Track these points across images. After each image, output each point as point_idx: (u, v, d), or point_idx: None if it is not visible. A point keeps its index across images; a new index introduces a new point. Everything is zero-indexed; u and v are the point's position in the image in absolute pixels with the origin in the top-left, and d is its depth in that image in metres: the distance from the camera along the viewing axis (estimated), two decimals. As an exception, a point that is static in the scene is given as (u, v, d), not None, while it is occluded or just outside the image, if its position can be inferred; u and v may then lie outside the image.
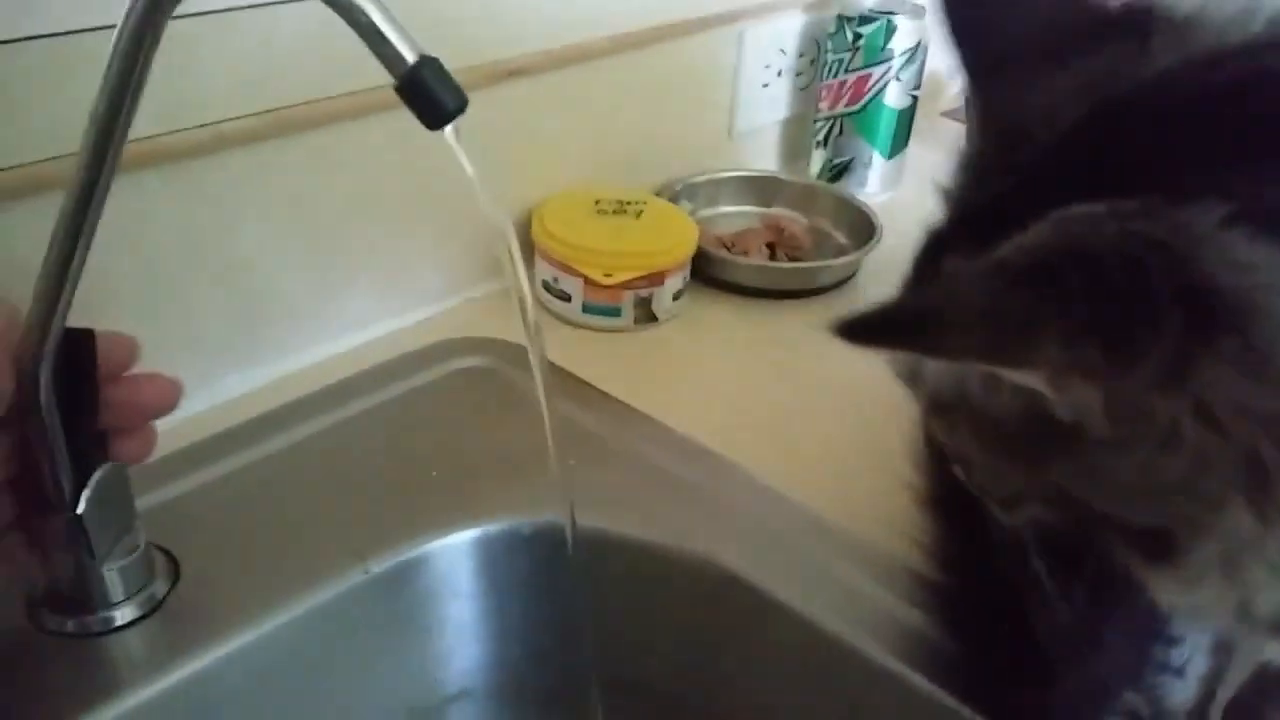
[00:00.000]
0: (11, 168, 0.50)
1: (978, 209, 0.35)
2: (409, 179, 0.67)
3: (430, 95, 0.33)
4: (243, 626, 0.48)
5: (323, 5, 0.32)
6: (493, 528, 0.55)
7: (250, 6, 0.55)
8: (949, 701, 0.46)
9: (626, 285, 0.71)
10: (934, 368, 0.34)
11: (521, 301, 0.41)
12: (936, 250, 0.36)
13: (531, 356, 0.45)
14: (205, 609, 0.49)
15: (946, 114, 1.14)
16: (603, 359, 0.69)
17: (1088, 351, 0.26)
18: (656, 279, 0.72)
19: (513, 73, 0.70)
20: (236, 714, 0.49)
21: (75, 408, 0.42)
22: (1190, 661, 0.43)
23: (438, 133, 0.34)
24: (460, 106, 0.34)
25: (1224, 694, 0.42)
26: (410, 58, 0.33)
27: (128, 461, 0.46)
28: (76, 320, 0.41)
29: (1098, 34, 0.35)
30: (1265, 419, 0.27)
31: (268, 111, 0.58)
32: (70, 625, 0.47)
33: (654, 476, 0.59)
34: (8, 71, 0.49)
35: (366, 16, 0.32)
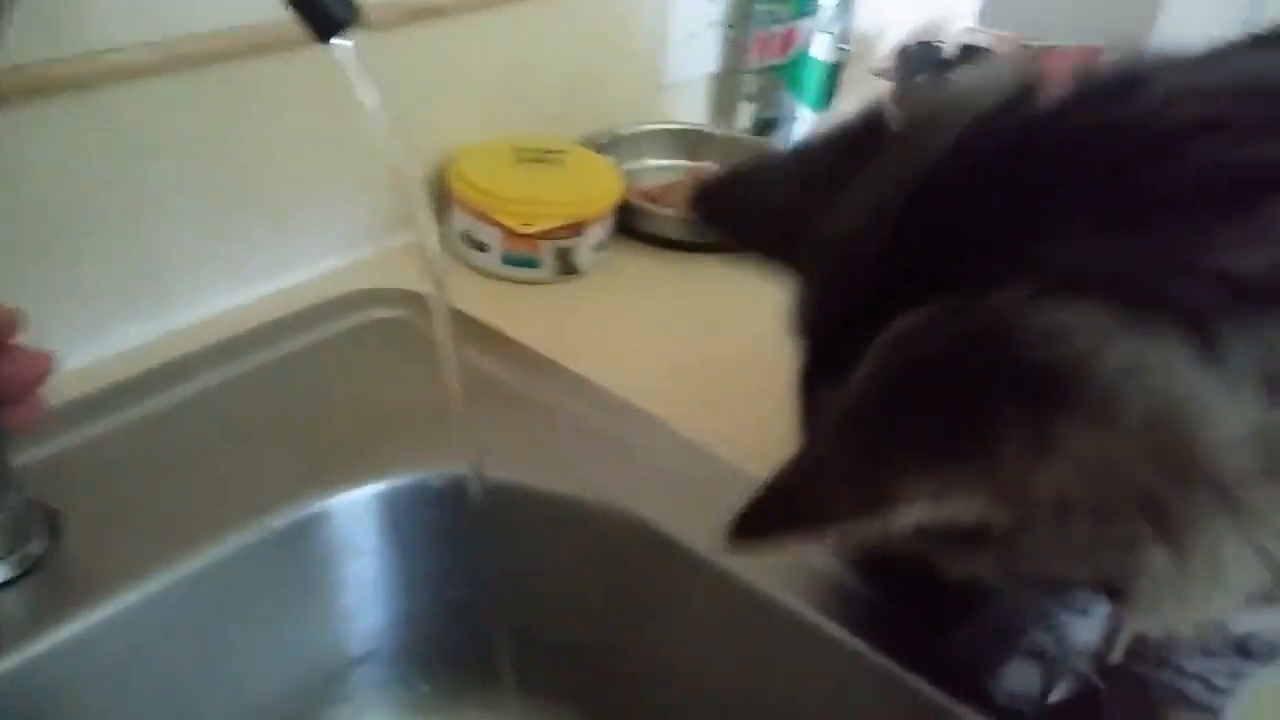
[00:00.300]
0: None
1: (826, 336, 0.34)
2: (321, 122, 0.64)
3: (317, 3, 0.31)
4: (127, 586, 0.46)
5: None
6: (398, 481, 0.53)
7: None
8: (862, 648, 0.46)
9: (546, 235, 0.69)
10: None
11: (423, 229, 0.39)
12: (810, 386, 0.36)
13: (434, 300, 0.44)
14: (88, 568, 0.46)
15: (877, 72, 1.13)
16: (521, 311, 0.67)
17: (953, 470, 0.27)
18: (577, 229, 0.70)
19: (432, 11, 0.67)
20: (121, 681, 0.46)
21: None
22: (1094, 601, 0.43)
23: (359, 90, 0.32)
24: (349, 16, 0.31)
25: (1128, 631, 0.42)
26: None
27: (14, 433, 0.42)
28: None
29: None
30: (1134, 462, 0.26)
31: (166, 42, 0.55)
32: (-64, 585, 0.44)
33: (569, 428, 0.57)
34: None
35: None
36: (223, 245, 0.63)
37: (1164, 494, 0.27)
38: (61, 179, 0.54)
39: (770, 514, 0.29)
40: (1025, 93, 0.32)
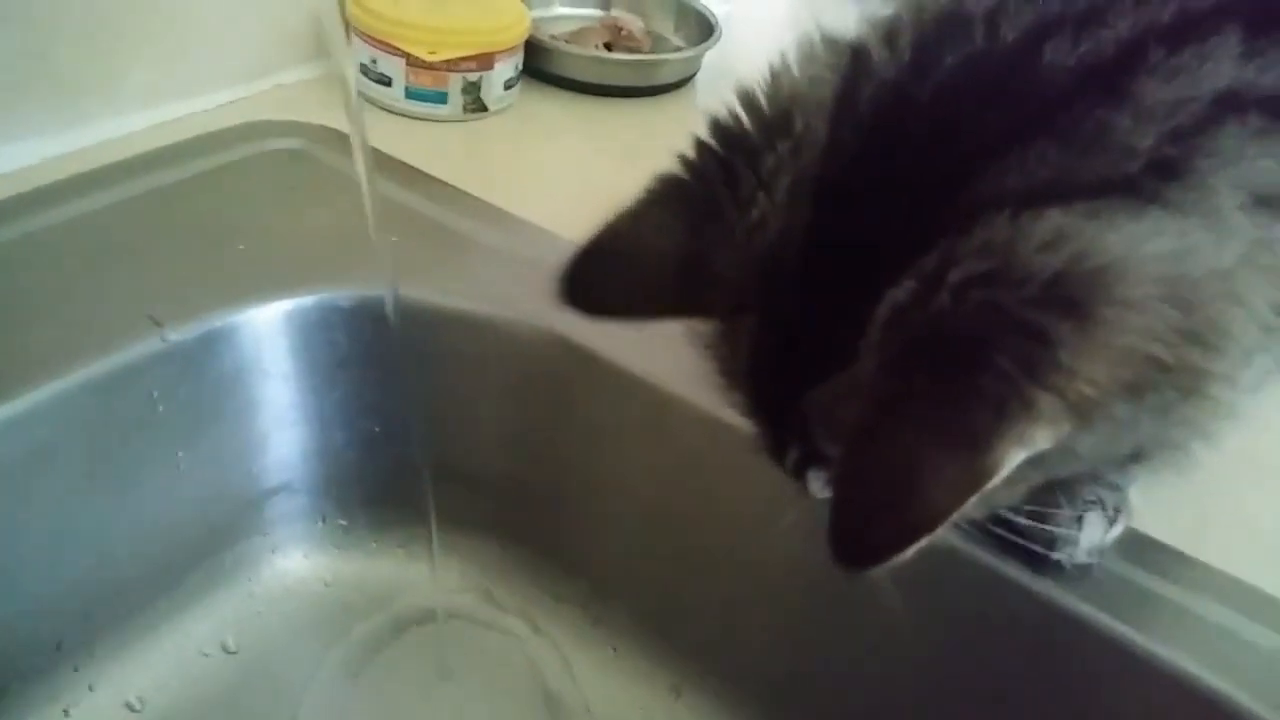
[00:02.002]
0: None
1: (788, 346, 0.32)
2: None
3: None
4: (16, 395, 0.43)
5: None
6: (306, 299, 0.51)
7: None
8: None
9: (452, 66, 0.66)
10: None
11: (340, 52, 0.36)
12: (786, 396, 0.32)
13: (352, 109, 0.41)
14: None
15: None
16: (429, 149, 0.64)
17: (1028, 407, 0.25)
18: (486, 61, 0.67)
19: None
20: (20, 490, 0.44)
21: None
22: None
23: None
24: None
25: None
26: None
27: None
28: None
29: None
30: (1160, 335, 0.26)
31: None
32: None
33: (483, 253, 0.56)
34: None
35: None
36: (106, 66, 0.58)
37: (1190, 359, 0.27)
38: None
39: (881, 528, 0.27)
40: (862, 59, 0.30)
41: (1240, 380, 0.29)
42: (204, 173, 0.58)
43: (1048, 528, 0.42)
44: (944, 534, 0.26)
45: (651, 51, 0.81)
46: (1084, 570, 0.43)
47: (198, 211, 0.55)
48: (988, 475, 0.25)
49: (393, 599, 0.57)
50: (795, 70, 0.33)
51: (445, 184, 0.61)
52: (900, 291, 0.27)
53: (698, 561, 0.54)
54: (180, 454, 0.50)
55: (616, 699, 0.55)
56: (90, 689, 0.50)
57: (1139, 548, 0.45)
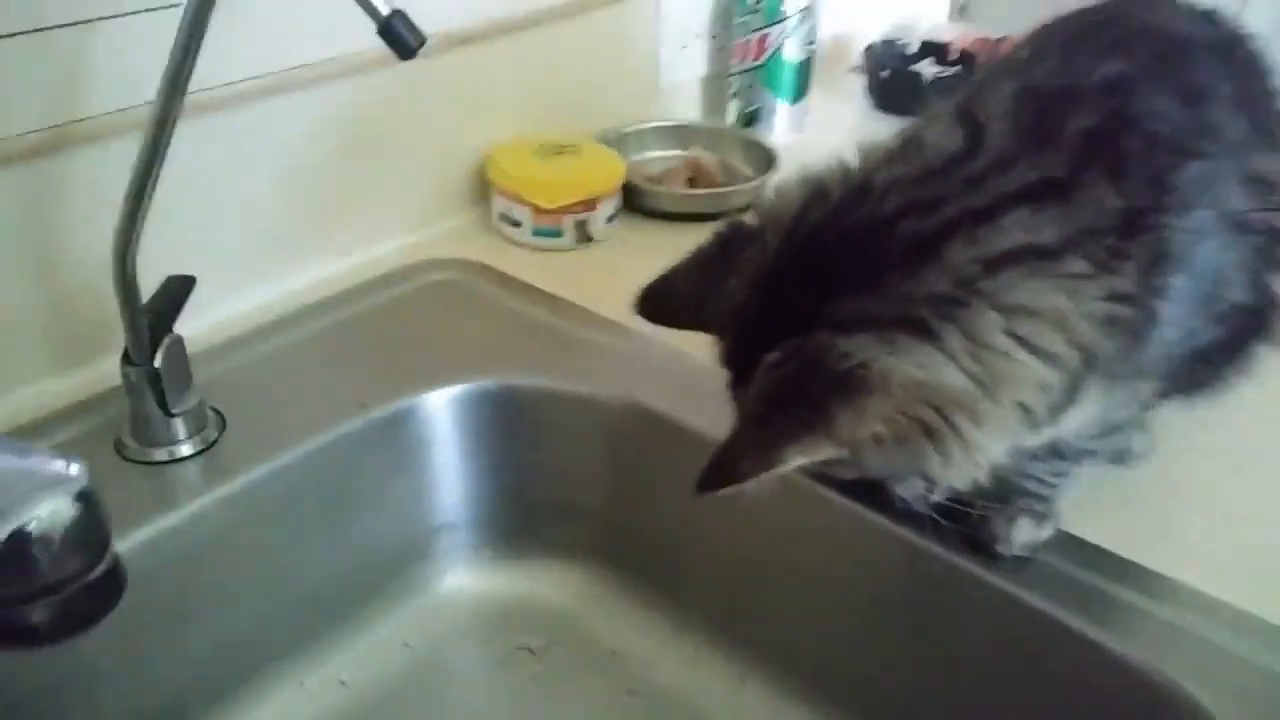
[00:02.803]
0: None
1: (736, 364, 0.51)
2: (388, 132, 0.83)
3: (399, 36, 0.49)
4: (270, 459, 0.64)
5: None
6: (464, 387, 0.72)
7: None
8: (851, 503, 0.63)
9: (566, 210, 0.87)
10: None
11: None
12: (734, 392, 0.51)
13: None
14: (243, 450, 0.65)
15: (852, 69, 1.30)
16: (549, 271, 0.85)
17: (809, 437, 0.44)
18: (591, 204, 0.88)
19: (469, 38, 0.86)
20: (271, 528, 0.65)
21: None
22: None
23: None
24: (421, 42, 0.50)
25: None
26: (385, 10, 0.49)
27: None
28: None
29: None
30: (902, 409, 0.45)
31: (269, 75, 0.74)
32: (147, 455, 0.63)
33: (586, 348, 0.75)
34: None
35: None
36: (330, 225, 0.82)
37: (927, 420, 0.45)
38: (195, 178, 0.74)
39: (713, 476, 0.46)
40: (814, 200, 0.49)
41: (987, 430, 0.46)
42: (391, 299, 0.80)
43: (990, 521, 0.58)
44: (755, 487, 0.45)
45: (725, 183, 1.00)
46: (1022, 563, 0.58)
47: (387, 328, 0.77)
48: (777, 466, 0.44)
49: (527, 608, 0.76)
50: (787, 195, 0.52)
51: (560, 298, 0.81)
52: (773, 355, 0.46)
53: (757, 577, 0.71)
54: (377, 498, 0.71)
55: (692, 685, 0.72)
56: (319, 666, 0.70)
57: (1096, 556, 0.59)
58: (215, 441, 0.65)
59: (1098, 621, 0.55)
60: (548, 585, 0.77)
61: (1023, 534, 0.58)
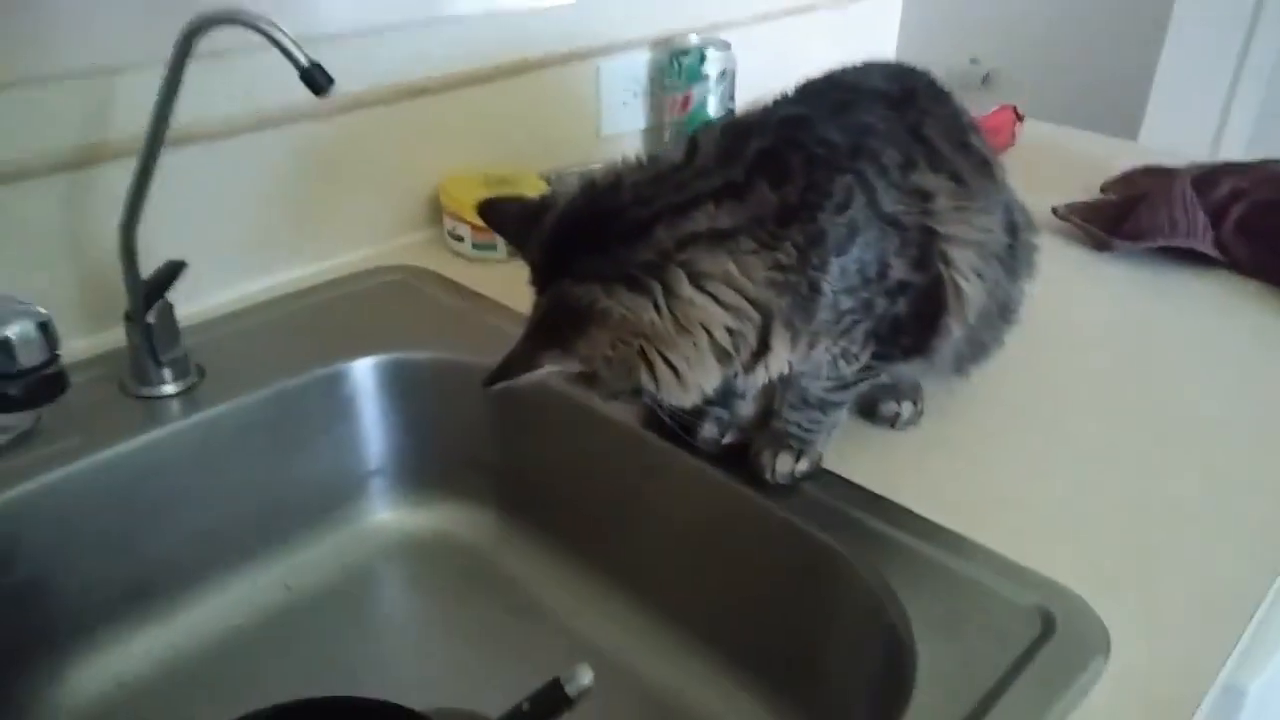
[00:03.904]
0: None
1: (536, 287, 0.68)
2: (356, 163, 1.04)
3: (314, 78, 0.70)
4: (234, 399, 0.85)
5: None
6: (390, 356, 0.92)
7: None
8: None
9: (498, 228, 1.07)
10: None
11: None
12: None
13: None
14: (215, 392, 0.85)
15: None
16: (483, 278, 1.05)
17: (561, 352, 0.62)
18: (520, 224, 1.08)
19: (423, 90, 1.08)
20: (229, 454, 0.85)
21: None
22: (749, 391, 0.78)
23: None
24: (330, 83, 0.71)
25: (778, 406, 0.76)
26: (305, 62, 0.70)
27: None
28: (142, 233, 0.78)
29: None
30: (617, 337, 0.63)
31: (253, 113, 0.96)
32: (141, 392, 0.84)
33: (494, 332, 0.94)
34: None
35: (282, 42, 0.69)
36: (309, 234, 1.03)
37: (637, 348, 0.62)
38: (192, 201, 0.95)
39: (495, 375, 0.64)
40: (586, 188, 0.67)
41: (687, 360, 0.63)
42: (349, 293, 1.01)
43: (761, 455, 0.75)
44: (524, 383, 0.63)
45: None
46: (786, 490, 0.76)
47: (341, 313, 0.97)
48: (535, 370, 0.62)
49: (442, 541, 0.95)
50: (574, 183, 0.70)
51: (486, 297, 1.01)
52: (550, 289, 0.64)
53: (617, 515, 0.88)
54: (318, 442, 0.90)
55: (570, 603, 0.90)
56: (268, 570, 0.89)
57: (854, 490, 0.76)
58: (195, 386, 0.86)
59: (845, 542, 0.72)
60: (461, 525, 0.96)
61: (784, 465, 0.75)
